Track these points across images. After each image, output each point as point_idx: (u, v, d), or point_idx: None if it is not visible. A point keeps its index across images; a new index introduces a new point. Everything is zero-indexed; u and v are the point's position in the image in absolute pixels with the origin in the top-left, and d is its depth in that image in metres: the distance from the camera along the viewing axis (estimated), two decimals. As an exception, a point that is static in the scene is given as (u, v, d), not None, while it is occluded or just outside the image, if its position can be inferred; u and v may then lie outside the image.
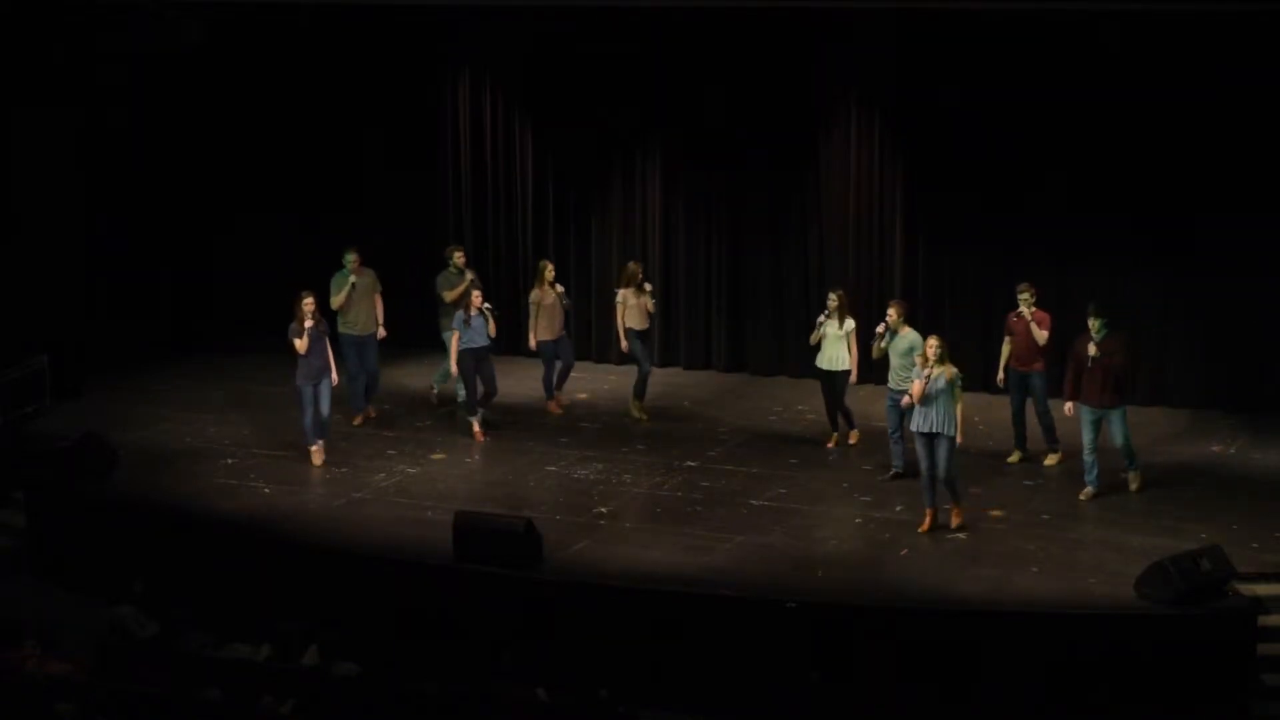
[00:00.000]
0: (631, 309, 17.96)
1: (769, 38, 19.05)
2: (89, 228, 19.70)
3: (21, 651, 12.33)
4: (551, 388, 18.46)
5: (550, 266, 18.35)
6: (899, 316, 16.06)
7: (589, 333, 20.48)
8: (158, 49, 20.01)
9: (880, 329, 16.09)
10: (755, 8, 18.57)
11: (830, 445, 17.28)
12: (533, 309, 18.20)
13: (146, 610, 13.69)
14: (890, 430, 16.30)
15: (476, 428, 17.58)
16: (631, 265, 18.39)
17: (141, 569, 14.33)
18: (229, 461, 17.10)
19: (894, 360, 16.03)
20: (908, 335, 16.04)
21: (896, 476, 16.22)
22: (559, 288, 18.23)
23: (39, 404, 18.47)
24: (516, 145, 20.81)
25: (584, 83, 20.16)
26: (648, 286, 18.11)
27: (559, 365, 18.35)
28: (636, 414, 18.10)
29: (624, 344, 18.10)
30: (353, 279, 17.82)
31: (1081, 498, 15.62)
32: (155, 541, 15.26)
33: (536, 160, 20.74)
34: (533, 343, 18.29)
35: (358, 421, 17.97)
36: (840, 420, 17.20)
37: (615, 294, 18.22)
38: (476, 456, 17.28)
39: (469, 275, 18.03)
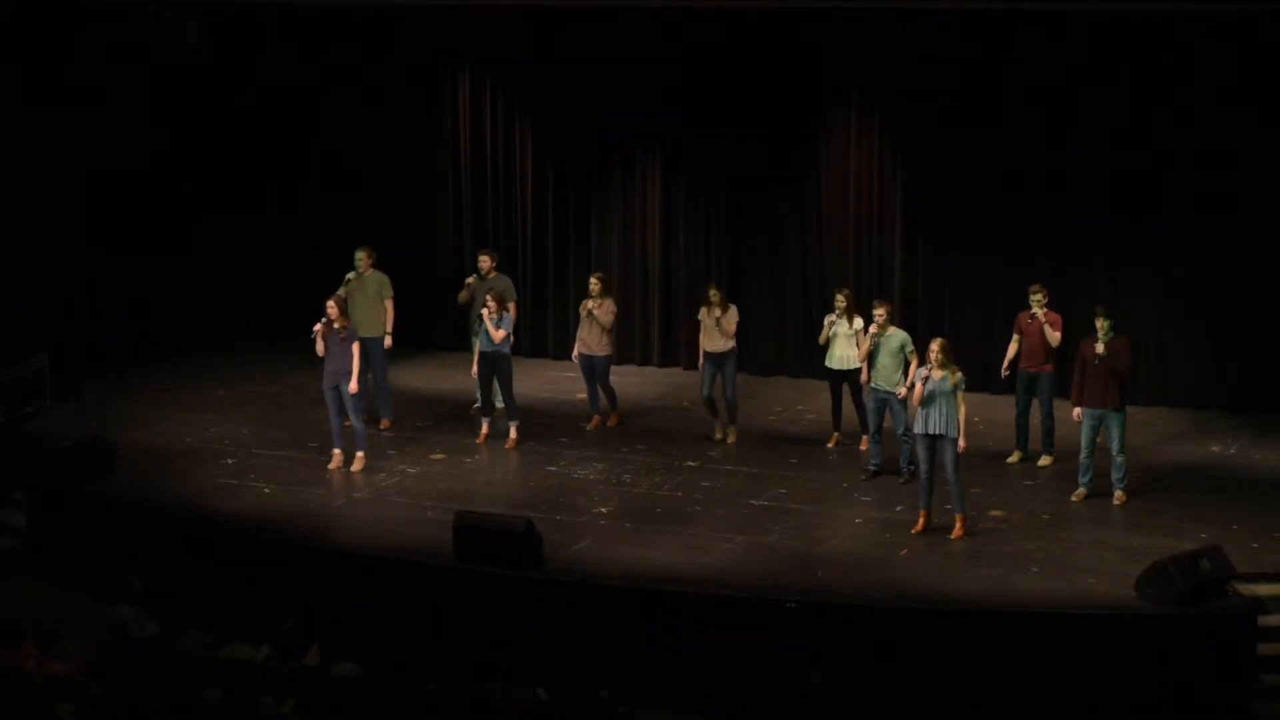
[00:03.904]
0: (709, 329, 17.19)
1: (769, 37, 19.06)
2: (89, 227, 19.69)
3: (21, 651, 12.33)
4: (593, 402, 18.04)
5: (593, 280, 17.72)
6: (886, 316, 16.05)
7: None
8: (158, 48, 20.04)
9: (872, 329, 16.06)
10: (755, 8, 18.58)
11: (831, 445, 17.27)
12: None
13: (146, 610, 13.68)
14: (871, 430, 16.31)
15: (485, 429, 17.59)
16: (712, 289, 17.39)
17: (141, 569, 14.31)
18: (229, 461, 17.09)
19: (883, 360, 16.02)
20: (896, 335, 16.04)
21: (874, 475, 16.25)
22: (588, 303, 17.63)
23: (39, 404, 18.47)
24: (516, 145, 20.81)
25: (584, 83, 20.16)
26: (719, 310, 17.15)
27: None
28: (719, 435, 17.37)
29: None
30: (348, 276, 17.74)
31: (1073, 498, 15.62)
32: (155, 541, 15.25)
33: (536, 160, 20.74)
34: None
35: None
36: (857, 419, 17.08)
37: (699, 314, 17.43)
38: (476, 456, 17.29)
39: (468, 280, 18.03)
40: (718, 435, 17.41)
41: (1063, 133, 18.24)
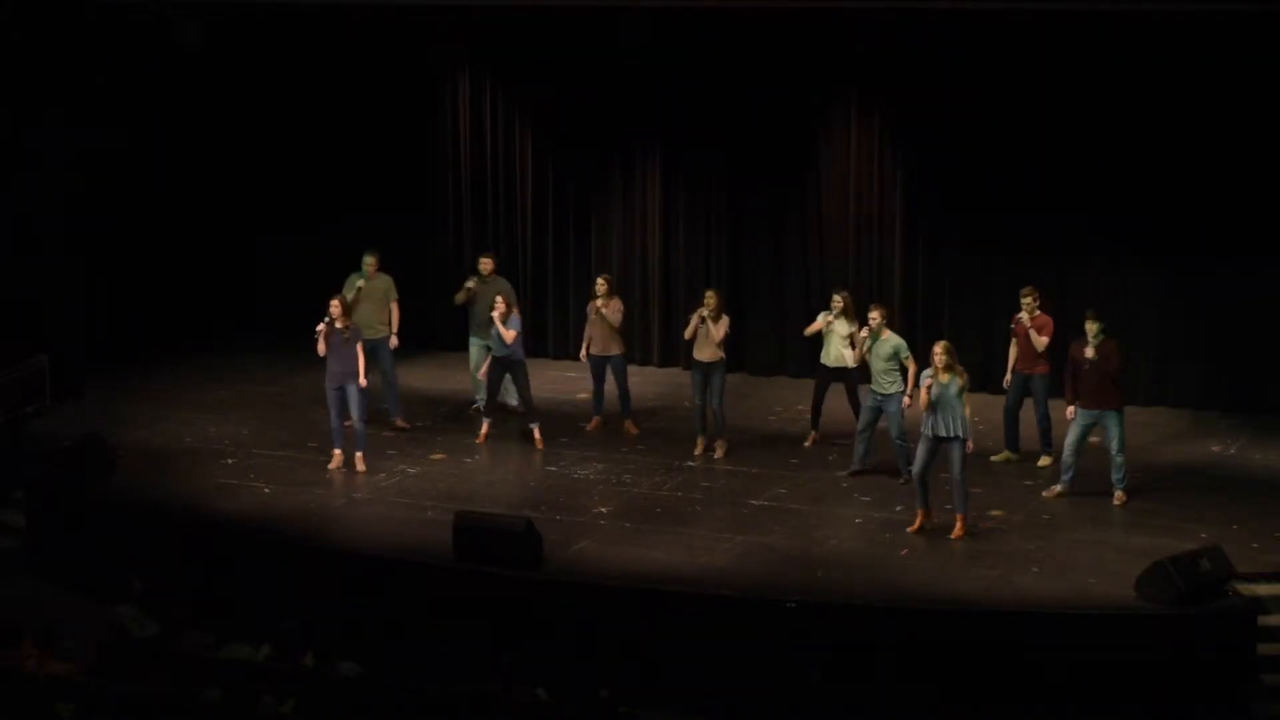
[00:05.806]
0: (700, 335, 16.85)
1: (769, 38, 19.06)
2: (90, 228, 19.68)
3: (21, 651, 12.33)
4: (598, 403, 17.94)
5: (599, 281, 17.58)
6: (881, 320, 16.03)
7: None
8: (157, 49, 20.04)
9: (863, 333, 16.07)
10: (756, 8, 18.57)
11: (808, 445, 17.18)
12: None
13: (146, 610, 13.68)
14: (860, 429, 16.29)
15: (485, 429, 17.59)
16: (709, 293, 17.07)
17: (141, 569, 14.32)
18: (229, 461, 17.09)
19: (877, 364, 16.01)
20: (890, 339, 16.02)
21: (856, 475, 16.24)
22: (595, 303, 17.50)
23: (39, 404, 18.46)
24: (516, 145, 20.81)
25: (584, 83, 20.15)
26: (711, 316, 16.82)
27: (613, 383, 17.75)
28: (699, 451, 17.01)
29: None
30: (359, 282, 17.73)
31: (1045, 495, 15.61)
32: (155, 541, 15.25)
33: (536, 160, 20.73)
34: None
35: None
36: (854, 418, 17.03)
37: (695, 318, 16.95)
38: (476, 456, 17.29)
39: (467, 283, 18.02)
40: (698, 451, 17.01)
41: (1063, 132, 18.23)
